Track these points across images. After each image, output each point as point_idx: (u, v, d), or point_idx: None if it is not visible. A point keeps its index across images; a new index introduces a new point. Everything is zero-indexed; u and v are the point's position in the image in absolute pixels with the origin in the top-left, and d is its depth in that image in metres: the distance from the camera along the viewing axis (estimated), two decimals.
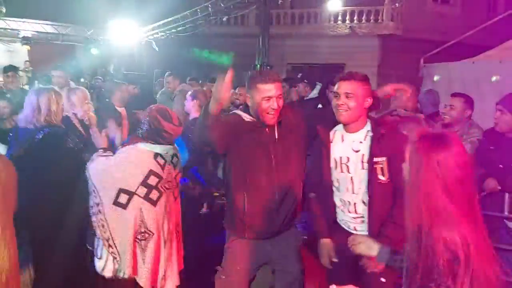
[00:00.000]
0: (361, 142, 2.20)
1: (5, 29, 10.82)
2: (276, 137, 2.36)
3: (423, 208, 1.27)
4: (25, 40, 11.29)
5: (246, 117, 2.37)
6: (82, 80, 9.20)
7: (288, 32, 13.51)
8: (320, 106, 4.56)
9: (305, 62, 14.02)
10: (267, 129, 2.35)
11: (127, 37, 9.26)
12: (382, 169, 2.13)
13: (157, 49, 9.74)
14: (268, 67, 5.42)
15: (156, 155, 2.39)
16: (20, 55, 13.79)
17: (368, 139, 2.18)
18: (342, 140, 2.26)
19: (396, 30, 12.62)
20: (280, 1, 5.53)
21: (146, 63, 10.86)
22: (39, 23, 11.47)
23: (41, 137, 2.80)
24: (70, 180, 2.76)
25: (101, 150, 2.48)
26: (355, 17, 13.16)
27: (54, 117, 2.89)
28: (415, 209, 1.30)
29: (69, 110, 3.44)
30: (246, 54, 12.93)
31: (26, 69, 10.98)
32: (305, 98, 5.66)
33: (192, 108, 4.07)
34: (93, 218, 2.36)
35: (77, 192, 2.75)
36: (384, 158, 2.12)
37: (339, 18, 13.31)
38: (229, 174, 2.43)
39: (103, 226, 2.32)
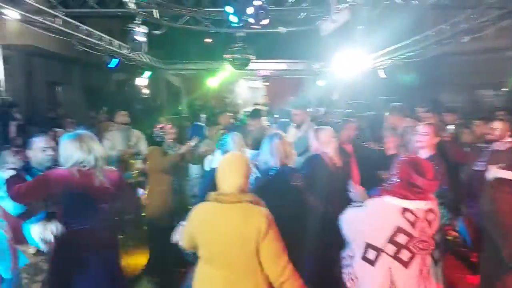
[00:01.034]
0: None
1: (250, 70, 12.81)
2: None
3: None
4: (265, 78, 13.11)
5: None
6: (309, 109, 9.88)
7: None
8: None
9: None
10: None
11: (353, 66, 9.42)
12: None
13: (385, 77, 9.53)
14: None
15: (405, 210, 2.16)
16: (259, 90, 16.21)
17: None
18: None
19: None
20: None
21: (369, 90, 10.78)
22: (275, 62, 13.17)
23: (273, 174, 3.11)
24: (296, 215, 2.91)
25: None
26: None
27: (285, 158, 3.19)
28: None
29: (319, 149, 3.56)
30: (483, 72, 11.30)
31: (265, 104, 12.74)
32: None
33: (432, 146, 3.66)
34: (344, 270, 2.33)
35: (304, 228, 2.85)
36: None
37: None
38: None
39: (352, 280, 2.27)
